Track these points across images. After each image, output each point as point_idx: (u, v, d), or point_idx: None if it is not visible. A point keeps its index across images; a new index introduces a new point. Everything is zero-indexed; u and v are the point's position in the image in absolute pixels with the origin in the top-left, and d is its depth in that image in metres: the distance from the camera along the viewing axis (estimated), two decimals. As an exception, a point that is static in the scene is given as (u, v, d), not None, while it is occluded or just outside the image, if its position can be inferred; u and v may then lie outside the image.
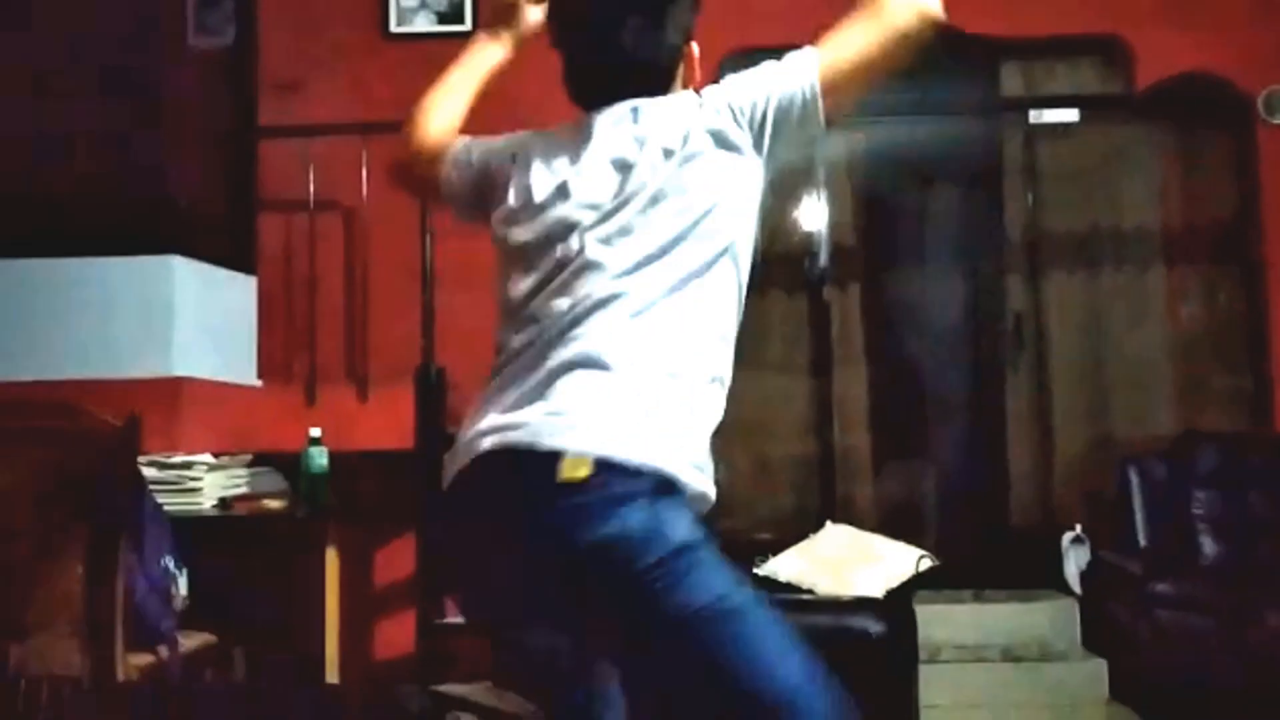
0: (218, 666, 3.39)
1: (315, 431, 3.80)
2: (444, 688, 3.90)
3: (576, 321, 1.59)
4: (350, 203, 4.69)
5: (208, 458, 3.63)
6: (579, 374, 1.56)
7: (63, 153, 3.95)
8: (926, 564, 3.79)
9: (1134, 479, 4.65)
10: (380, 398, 4.35)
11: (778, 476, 5.22)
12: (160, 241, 3.91)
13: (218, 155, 4.39)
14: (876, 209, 5.34)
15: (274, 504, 3.68)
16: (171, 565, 3.08)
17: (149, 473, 3.34)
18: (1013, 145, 5.22)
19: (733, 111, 1.65)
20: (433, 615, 3.96)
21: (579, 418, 1.52)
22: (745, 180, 1.67)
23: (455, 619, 4.32)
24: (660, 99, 1.72)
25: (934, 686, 4.11)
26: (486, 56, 1.95)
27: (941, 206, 5.53)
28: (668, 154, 1.63)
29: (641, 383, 1.56)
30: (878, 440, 5.29)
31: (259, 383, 4.46)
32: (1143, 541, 4.58)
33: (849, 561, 3.92)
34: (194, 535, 3.25)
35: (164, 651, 2.99)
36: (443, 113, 1.88)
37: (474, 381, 5.19)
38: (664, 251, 1.61)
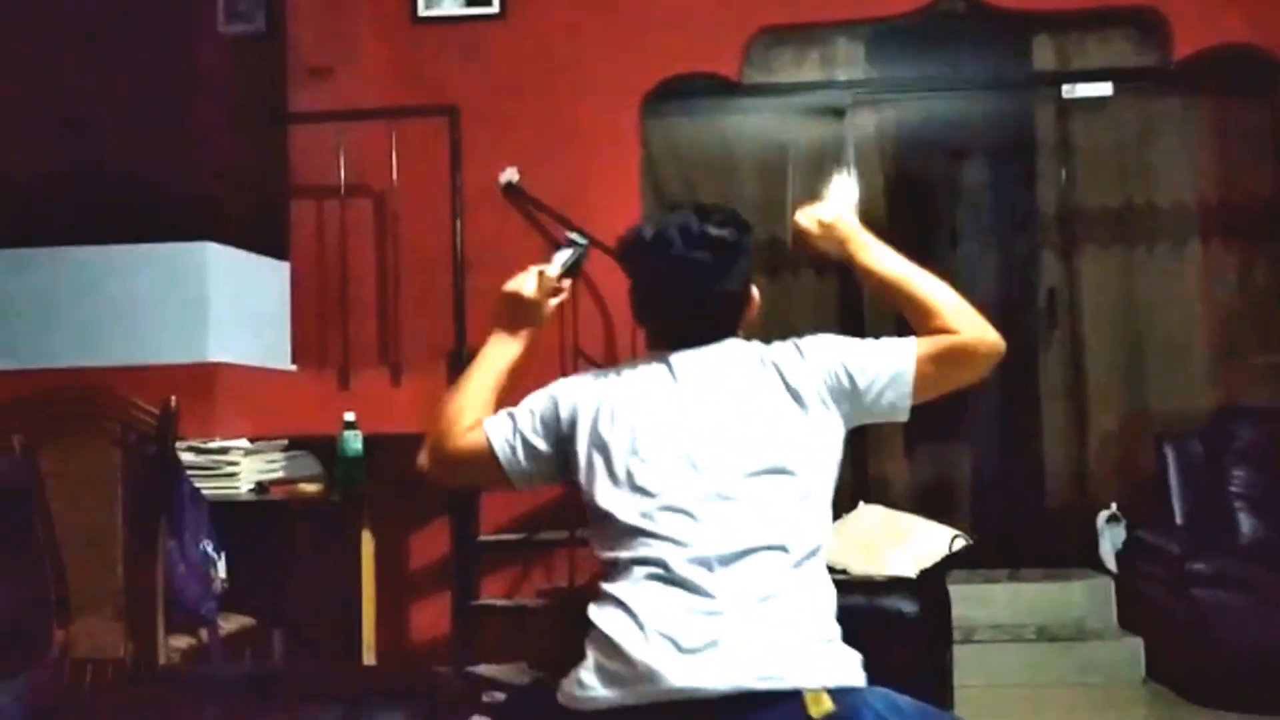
0: (256, 648, 3.43)
1: (349, 415, 3.82)
2: (478, 668, 3.94)
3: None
4: (381, 187, 4.71)
5: (244, 442, 3.67)
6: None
7: (96, 141, 3.99)
8: (960, 543, 3.78)
9: (1170, 456, 4.61)
10: (413, 381, 4.37)
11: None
12: (193, 228, 3.94)
13: (249, 142, 4.41)
14: (907, 186, 5.30)
15: (310, 488, 3.72)
16: (210, 549, 3.12)
17: (186, 458, 3.38)
18: (1045, 120, 5.16)
19: (836, 374, 1.82)
20: (467, 597, 3.99)
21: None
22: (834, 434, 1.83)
23: (488, 600, 4.36)
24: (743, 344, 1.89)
25: (968, 666, 4.10)
26: (506, 352, 2.00)
27: (973, 182, 5.48)
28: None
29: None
30: (910, 419, 5.24)
31: (293, 367, 4.49)
32: (1179, 519, 4.54)
33: (882, 541, 3.92)
34: (231, 519, 3.28)
35: (204, 634, 3.03)
36: (472, 411, 1.90)
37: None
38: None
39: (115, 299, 3.90)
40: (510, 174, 4.78)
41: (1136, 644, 4.47)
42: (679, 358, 1.81)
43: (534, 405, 1.85)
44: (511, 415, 1.86)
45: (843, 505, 4.28)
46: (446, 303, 4.40)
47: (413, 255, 4.69)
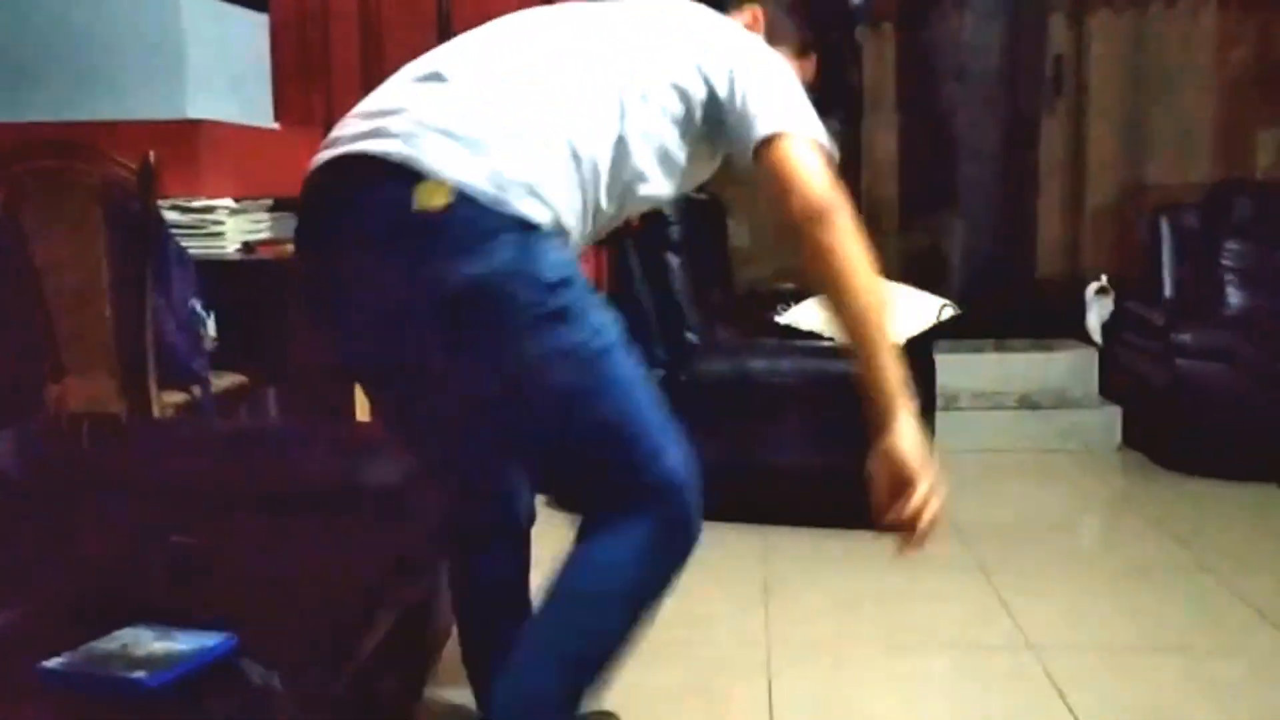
0: (250, 405, 3.48)
1: (334, 174, 3.75)
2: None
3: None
4: (362, -63, 4.48)
5: (229, 202, 3.61)
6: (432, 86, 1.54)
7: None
8: (949, 313, 3.79)
9: (1165, 228, 4.59)
10: (399, 142, 4.27)
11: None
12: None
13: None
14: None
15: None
16: (199, 307, 3.11)
17: (171, 216, 3.33)
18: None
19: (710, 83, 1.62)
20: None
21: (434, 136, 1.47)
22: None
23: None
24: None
25: (949, 431, 4.20)
26: None
27: (985, -59, 5.23)
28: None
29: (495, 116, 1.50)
30: (906, 190, 5.21)
31: (276, 125, 4.38)
32: (1168, 291, 4.56)
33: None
34: (219, 279, 3.27)
35: (197, 390, 3.06)
36: None
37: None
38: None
39: (88, 51, 3.75)
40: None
41: (1115, 412, 4.57)
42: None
43: None
44: None
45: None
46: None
47: (397, 12, 4.50)
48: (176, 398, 3.00)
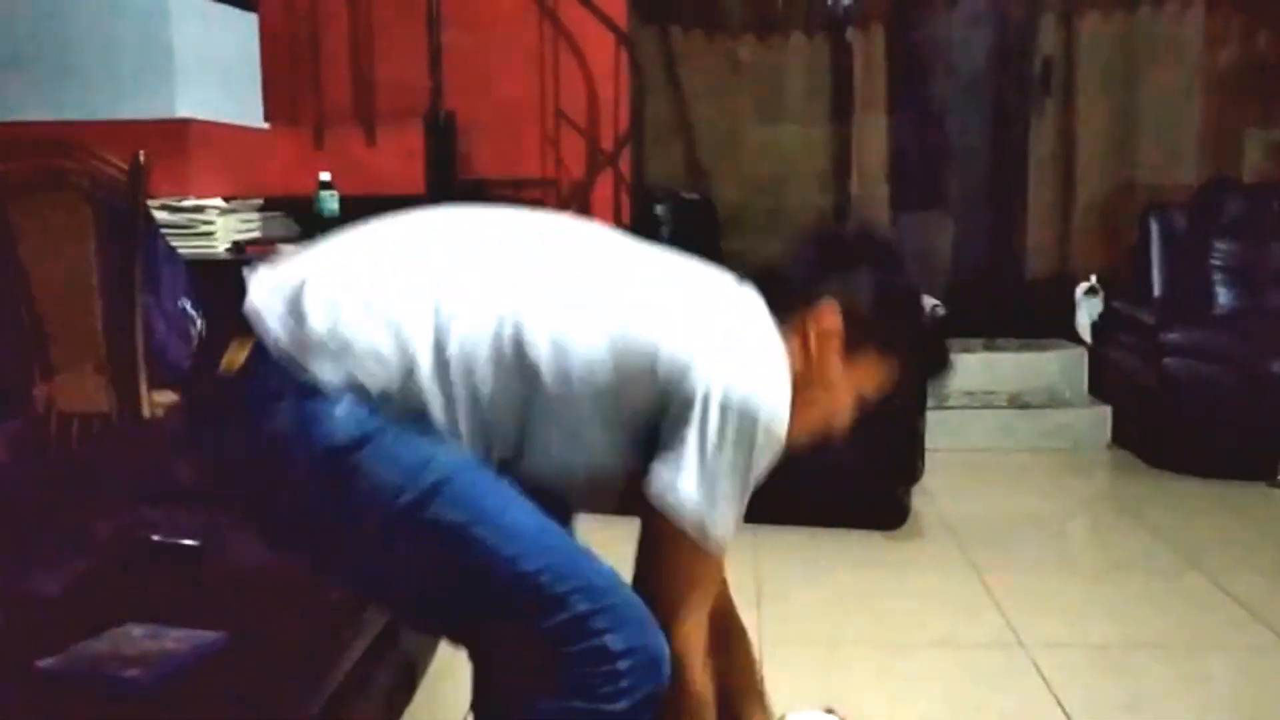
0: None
1: (325, 175, 3.75)
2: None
3: None
4: (353, -66, 4.48)
5: (219, 202, 3.60)
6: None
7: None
8: (939, 312, 3.79)
9: (1154, 228, 4.61)
10: (389, 140, 4.28)
11: (794, 228, 5.19)
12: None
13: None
14: (905, -56, 5.08)
15: (288, 248, 3.68)
16: (189, 307, 3.10)
17: (161, 216, 3.32)
18: (1053, -127, 4.90)
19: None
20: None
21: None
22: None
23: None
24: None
25: (940, 430, 4.21)
26: None
27: (974, -59, 5.25)
28: None
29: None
30: (896, 190, 5.22)
31: (266, 125, 4.37)
32: (1157, 291, 4.57)
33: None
34: (210, 279, 3.26)
35: (185, 391, 3.05)
36: None
37: (484, 125, 5.13)
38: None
39: (77, 49, 3.74)
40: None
41: (1105, 411, 4.59)
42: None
43: None
44: None
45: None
46: (421, 59, 4.25)
47: (386, 8, 4.50)
48: (167, 397, 2.99)
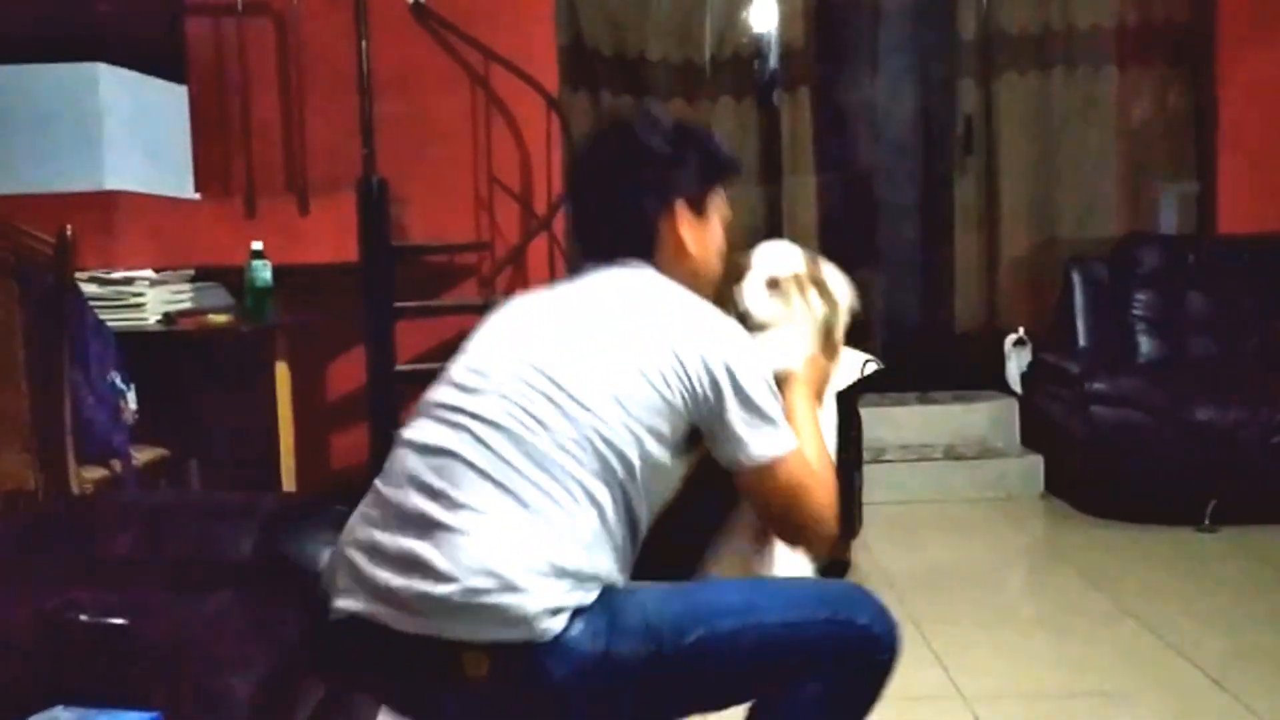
0: (172, 478, 3.42)
1: (257, 245, 3.73)
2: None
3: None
4: (281, 4, 4.50)
5: (149, 273, 3.56)
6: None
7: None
8: (872, 367, 3.85)
9: (1076, 280, 4.73)
10: (322, 209, 4.27)
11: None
12: (84, 49, 3.73)
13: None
14: (827, 9, 5.20)
15: (220, 319, 3.65)
16: (119, 380, 3.06)
17: (89, 289, 3.28)
18: (966, -59, 5.06)
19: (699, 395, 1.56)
20: (385, 426, 3.99)
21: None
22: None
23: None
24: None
25: (877, 484, 4.25)
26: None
27: (894, 7, 5.40)
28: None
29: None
30: (827, 248, 5.27)
31: (197, 195, 4.35)
32: (1083, 342, 4.68)
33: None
34: (140, 352, 3.22)
35: (117, 465, 3.00)
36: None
37: (416, 192, 5.13)
38: None
39: (7, 124, 3.71)
40: (417, -8, 4.59)
41: (1037, 461, 4.67)
42: (579, 278, 1.70)
43: None
44: None
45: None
46: (354, 128, 4.27)
47: (317, 78, 4.51)
48: (96, 473, 2.94)
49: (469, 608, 1.37)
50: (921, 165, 5.44)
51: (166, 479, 3.34)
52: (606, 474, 1.47)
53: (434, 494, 1.45)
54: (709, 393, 1.54)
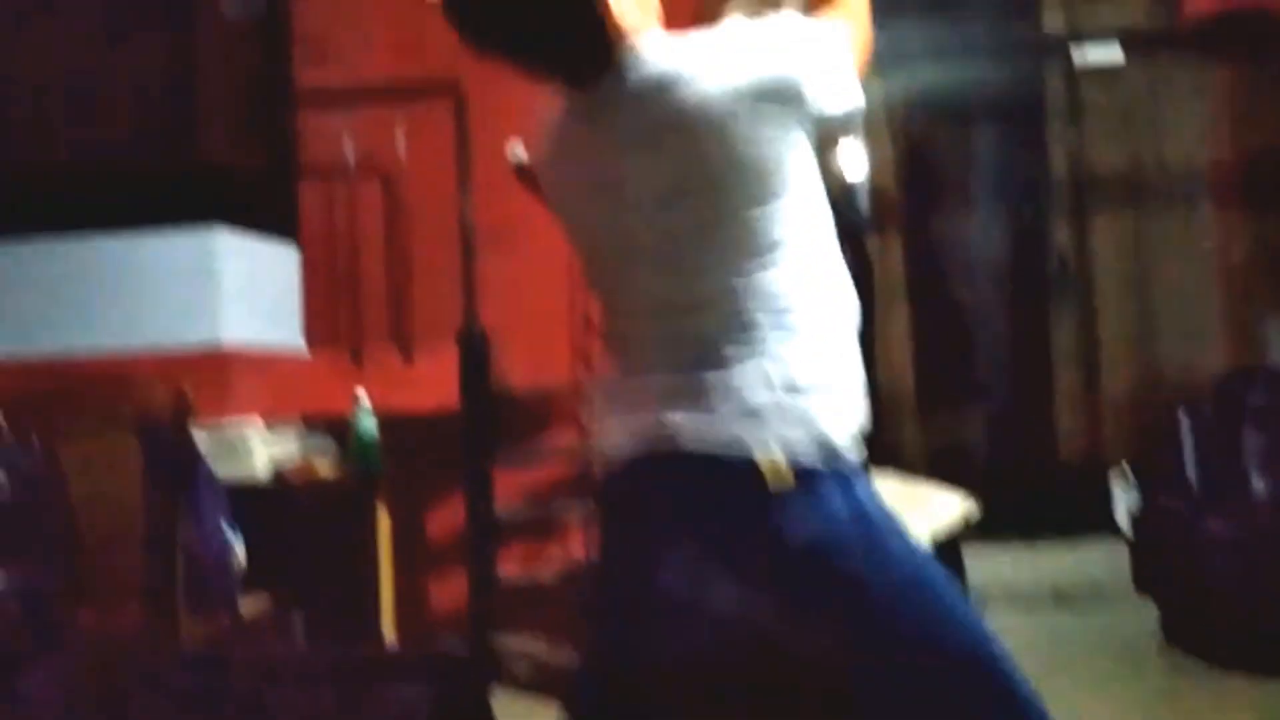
0: (277, 630, 3.47)
1: (363, 396, 3.84)
2: (499, 640, 3.97)
3: None
4: (389, 166, 4.70)
5: (258, 425, 3.69)
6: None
7: (106, 127, 3.97)
8: (974, 508, 3.78)
9: (1183, 419, 4.60)
10: (425, 359, 4.39)
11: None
12: (203, 212, 3.94)
13: (257, 124, 4.40)
14: (917, 152, 5.28)
15: (325, 469, 3.74)
16: (228, 532, 3.15)
17: (201, 441, 3.40)
18: (1055, 83, 5.14)
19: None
20: (485, 573, 4.02)
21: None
22: None
23: (506, 576, 4.39)
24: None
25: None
26: None
27: (984, 147, 5.47)
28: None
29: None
30: (922, 382, 5.27)
31: (305, 348, 4.51)
32: (1193, 481, 4.54)
33: (897, 508, 3.92)
34: (248, 502, 3.31)
35: (224, 616, 3.06)
36: None
37: (516, 341, 5.21)
38: None
39: (128, 285, 3.91)
40: (518, 150, 4.77)
41: (1151, 606, 4.49)
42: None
43: None
44: None
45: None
46: (456, 280, 4.41)
47: (422, 234, 4.68)
48: (204, 624, 3.00)
49: None
50: (1017, 301, 5.42)
51: (272, 630, 3.39)
52: None
53: None
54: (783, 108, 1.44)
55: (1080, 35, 5.00)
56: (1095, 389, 5.06)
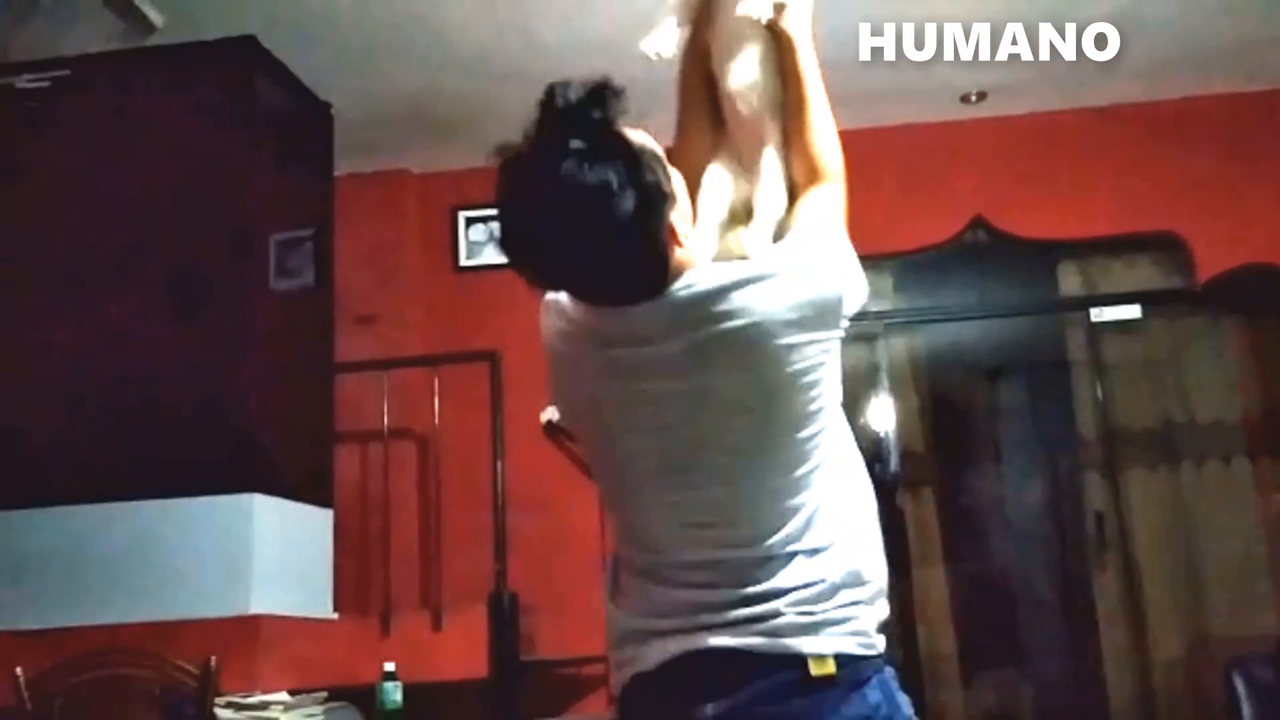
0: None
1: (389, 666, 3.77)
2: None
3: None
4: (424, 430, 4.80)
5: (284, 696, 3.61)
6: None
7: (147, 395, 4.04)
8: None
9: (1240, 684, 4.41)
10: (454, 625, 4.33)
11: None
12: (242, 480, 3.95)
13: (297, 392, 4.51)
14: (943, 407, 5.33)
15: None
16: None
17: (225, 715, 3.33)
18: (1076, 341, 5.20)
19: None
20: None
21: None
22: None
23: None
24: None
25: None
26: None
27: (1011, 402, 5.52)
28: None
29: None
30: (965, 644, 5.11)
31: (334, 615, 4.46)
32: (1257, 753, 4.31)
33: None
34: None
35: None
36: None
37: (545, 605, 5.16)
38: None
39: (163, 555, 3.85)
40: (551, 413, 4.86)
41: None
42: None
43: None
44: None
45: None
46: (487, 542, 4.41)
47: (455, 496, 4.73)
48: None
49: None
50: (1056, 559, 5.33)
51: None
52: None
53: None
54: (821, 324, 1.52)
55: (1098, 296, 5.10)
56: (1145, 651, 4.88)
